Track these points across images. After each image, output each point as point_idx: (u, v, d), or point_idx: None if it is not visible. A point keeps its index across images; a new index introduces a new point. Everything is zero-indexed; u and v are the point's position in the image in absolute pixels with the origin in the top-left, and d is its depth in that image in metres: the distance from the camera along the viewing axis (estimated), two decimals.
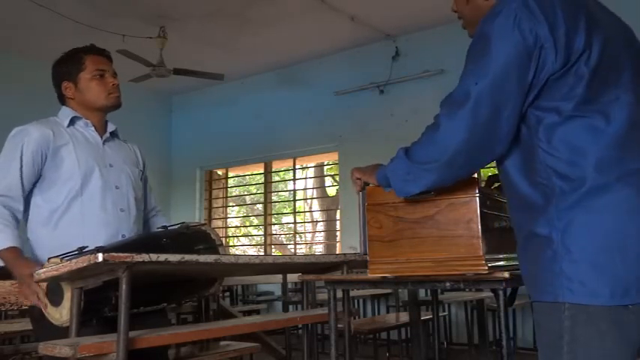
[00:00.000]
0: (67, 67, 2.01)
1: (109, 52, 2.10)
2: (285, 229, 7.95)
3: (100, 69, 2.01)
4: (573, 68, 1.09)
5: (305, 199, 9.13)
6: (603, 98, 1.10)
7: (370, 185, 1.54)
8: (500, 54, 1.11)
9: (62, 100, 2.06)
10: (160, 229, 2.08)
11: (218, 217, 8.18)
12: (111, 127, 2.10)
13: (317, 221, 9.78)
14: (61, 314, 1.70)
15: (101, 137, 2.05)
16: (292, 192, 7.78)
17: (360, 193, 1.58)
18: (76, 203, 1.90)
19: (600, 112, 1.09)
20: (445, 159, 1.20)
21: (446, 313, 5.29)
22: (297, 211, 7.96)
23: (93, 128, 2.03)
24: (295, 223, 7.68)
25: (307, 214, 9.30)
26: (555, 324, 1.09)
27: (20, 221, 1.90)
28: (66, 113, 2.02)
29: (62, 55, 2.05)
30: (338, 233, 7.09)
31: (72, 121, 2.00)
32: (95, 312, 1.78)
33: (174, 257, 1.59)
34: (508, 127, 1.14)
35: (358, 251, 1.76)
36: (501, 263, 1.51)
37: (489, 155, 1.20)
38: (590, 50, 1.09)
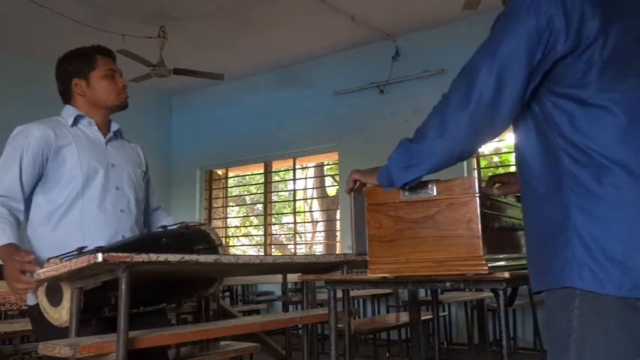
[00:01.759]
0: (78, 65, 2.02)
1: (115, 54, 2.13)
2: (285, 229, 7.95)
3: (111, 69, 2.05)
4: (585, 55, 1.09)
5: (305, 199, 9.13)
6: (621, 87, 1.09)
7: (370, 185, 1.54)
8: (512, 33, 1.13)
9: (67, 96, 2.05)
10: (159, 229, 2.08)
11: (218, 217, 8.18)
12: (114, 127, 2.10)
13: (317, 221, 9.78)
14: (60, 314, 1.70)
15: (104, 136, 2.05)
16: (292, 192, 7.78)
17: (352, 194, 1.58)
18: (76, 204, 1.90)
19: (616, 101, 1.08)
20: (449, 133, 1.21)
21: (446, 313, 5.29)
22: (297, 211, 7.96)
23: (96, 127, 2.03)
24: (295, 223, 7.68)
25: (307, 214, 9.31)
26: (564, 322, 1.09)
27: (21, 221, 1.89)
28: (70, 112, 2.02)
29: (70, 53, 2.06)
30: (338, 233, 7.09)
31: (75, 120, 2.00)
32: (95, 312, 1.78)
33: (173, 257, 1.59)
34: (511, 104, 1.15)
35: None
36: (501, 263, 1.51)
37: (491, 131, 1.21)
38: (605, 37, 1.09)
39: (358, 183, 1.56)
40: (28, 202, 1.92)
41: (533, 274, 1.20)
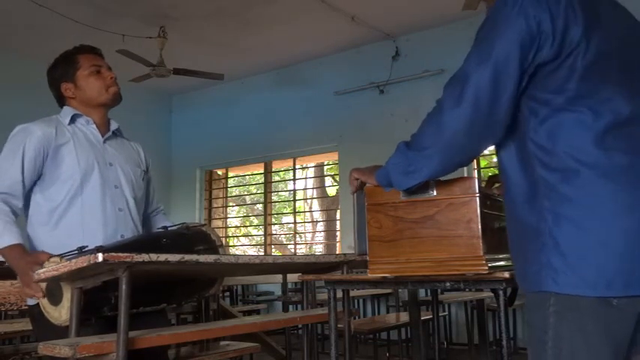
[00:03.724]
0: (63, 69, 2.03)
1: (99, 50, 2.11)
2: (285, 229, 7.95)
3: (95, 64, 2.03)
4: (568, 61, 1.10)
5: (305, 199, 9.13)
6: (597, 95, 1.10)
7: (369, 185, 1.54)
8: (504, 38, 1.12)
9: (62, 102, 2.06)
10: (160, 230, 2.08)
11: (218, 217, 8.18)
12: (114, 126, 2.10)
13: (317, 221, 9.78)
14: (60, 314, 1.70)
15: (103, 135, 2.05)
16: (292, 192, 7.78)
17: (355, 193, 1.58)
18: (75, 203, 1.90)
19: (591, 107, 1.10)
20: (445, 141, 1.21)
21: (446, 313, 5.29)
22: (297, 211, 7.96)
23: (94, 126, 2.03)
24: (295, 223, 7.68)
25: (307, 214, 9.30)
26: (541, 320, 1.11)
27: (19, 218, 1.90)
28: (67, 112, 2.02)
29: (54, 60, 2.07)
30: (338, 233, 7.09)
31: (73, 119, 2.00)
32: (95, 311, 1.78)
33: (174, 257, 1.59)
34: (506, 110, 1.15)
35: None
36: (501, 263, 1.51)
37: (488, 138, 1.21)
38: (587, 43, 1.10)
39: (360, 182, 1.56)
40: (26, 200, 1.92)
41: (516, 275, 1.22)
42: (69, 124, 1.99)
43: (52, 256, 1.72)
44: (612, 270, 1.04)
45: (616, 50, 1.14)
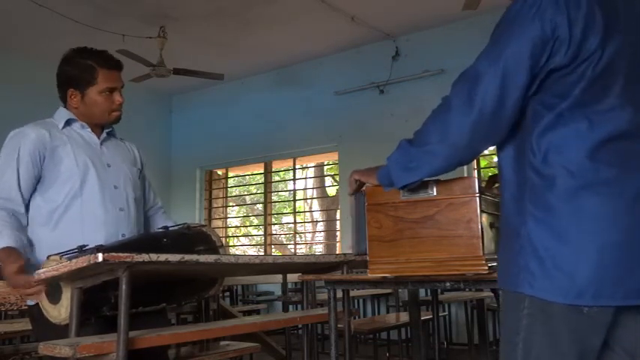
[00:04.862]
0: (78, 73, 1.97)
1: (121, 64, 2.06)
2: (285, 229, 7.95)
3: (111, 87, 1.99)
4: (580, 68, 1.09)
5: (305, 199, 9.13)
6: (597, 105, 1.10)
7: (369, 185, 1.54)
8: (517, 40, 1.12)
9: (63, 100, 2.05)
10: (160, 230, 2.08)
11: (218, 217, 8.18)
12: (107, 127, 2.10)
13: (317, 221, 9.78)
14: (59, 312, 1.70)
15: (98, 138, 2.05)
16: (292, 192, 7.78)
17: (353, 195, 1.58)
18: (75, 203, 1.90)
19: (588, 117, 1.09)
20: (450, 139, 1.21)
21: (446, 313, 5.29)
22: (297, 211, 7.96)
23: (89, 129, 2.04)
24: (295, 223, 7.68)
25: (307, 214, 9.30)
26: (514, 322, 1.13)
27: (24, 223, 1.89)
28: (62, 115, 2.01)
29: (73, 56, 1.99)
30: (338, 233, 7.09)
31: (67, 123, 2.00)
32: (94, 311, 1.78)
33: (174, 257, 1.59)
34: (512, 112, 1.15)
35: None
36: None
37: (492, 138, 1.21)
38: (602, 52, 1.09)
39: (358, 183, 1.56)
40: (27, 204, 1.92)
41: (498, 271, 1.23)
42: (63, 127, 1.98)
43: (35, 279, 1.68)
44: (585, 280, 1.05)
45: (629, 57, 1.13)
